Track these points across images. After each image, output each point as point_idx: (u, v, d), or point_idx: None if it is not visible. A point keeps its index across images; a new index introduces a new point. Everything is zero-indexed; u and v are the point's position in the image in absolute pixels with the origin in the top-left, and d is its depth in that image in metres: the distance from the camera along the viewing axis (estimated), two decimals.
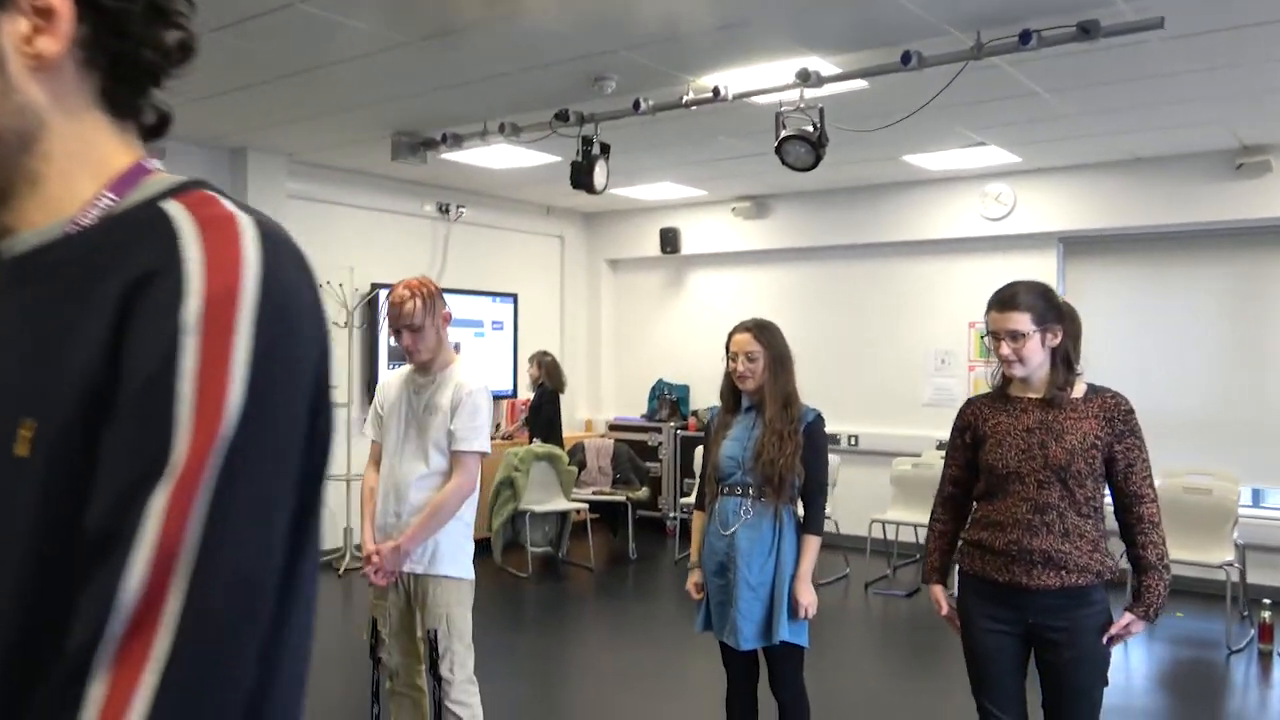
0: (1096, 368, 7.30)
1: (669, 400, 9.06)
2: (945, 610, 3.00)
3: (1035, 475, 2.75)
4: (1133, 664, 5.60)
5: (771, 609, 3.35)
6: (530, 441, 7.77)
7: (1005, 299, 2.82)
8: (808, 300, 8.78)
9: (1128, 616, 2.73)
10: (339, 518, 7.42)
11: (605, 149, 5.79)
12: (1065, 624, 2.74)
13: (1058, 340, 2.78)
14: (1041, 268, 7.66)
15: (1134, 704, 5.00)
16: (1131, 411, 2.79)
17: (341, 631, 5.77)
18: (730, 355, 3.50)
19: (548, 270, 9.48)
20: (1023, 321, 2.77)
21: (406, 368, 3.52)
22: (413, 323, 3.32)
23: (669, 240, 9.23)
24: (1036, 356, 2.78)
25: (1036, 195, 7.60)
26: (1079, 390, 2.82)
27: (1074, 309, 2.90)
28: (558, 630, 6.21)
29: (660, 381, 9.33)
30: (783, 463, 3.33)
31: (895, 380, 8.19)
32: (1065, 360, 2.79)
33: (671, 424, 8.80)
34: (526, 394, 8.72)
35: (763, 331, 3.49)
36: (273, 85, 5.27)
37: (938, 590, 3.03)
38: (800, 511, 3.47)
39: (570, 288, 9.65)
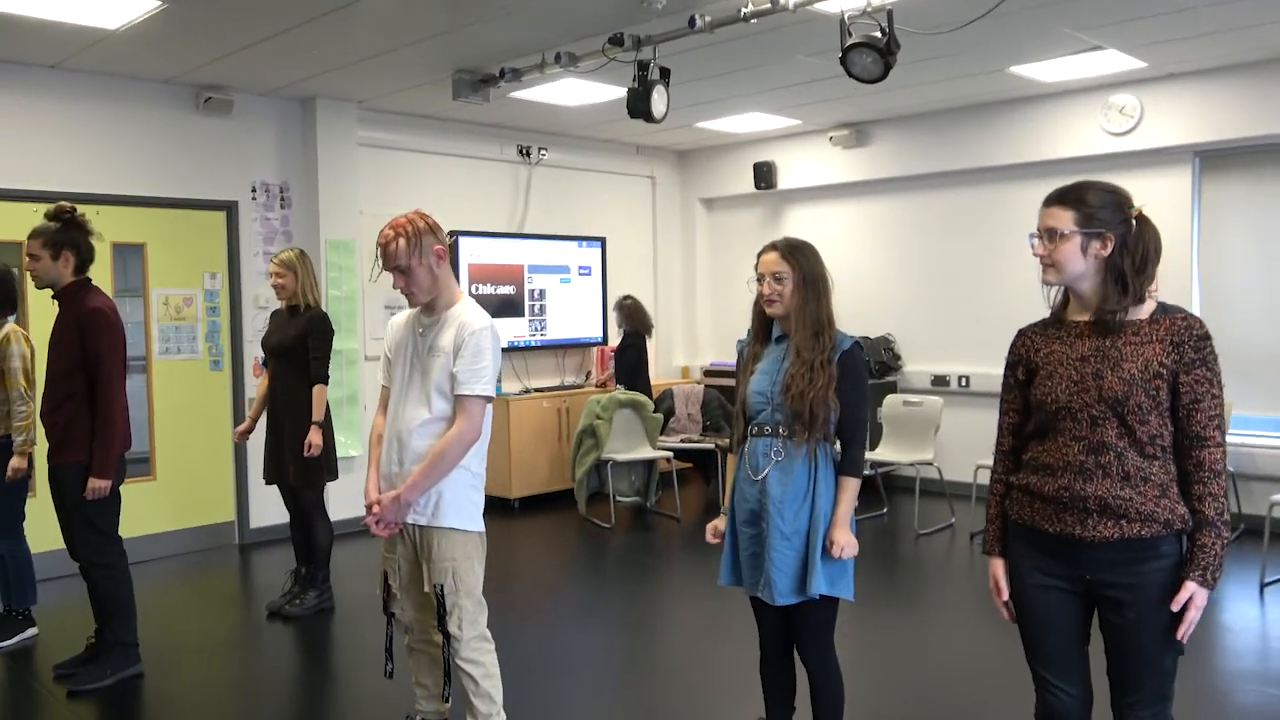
0: (1240, 296, 6.62)
1: None
2: (1005, 595, 2.55)
3: (1088, 410, 2.33)
4: (1271, 621, 4.97)
5: (807, 559, 3.01)
6: (617, 388, 7.54)
7: (1057, 193, 2.41)
8: (914, 233, 8.20)
9: (1188, 587, 2.27)
10: None
11: (665, 73, 5.42)
12: (1128, 579, 2.31)
13: (1107, 251, 2.32)
14: (1175, 186, 6.91)
15: (1273, 670, 4.40)
16: (1206, 338, 2.31)
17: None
18: (757, 277, 3.17)
19: (639, 212, 9.17)
20: (1063, 219, 2.34)
21: (414, 309, 3.31)
22: (398, 264, 3.10)
23: (763, 175, 8.77)
24: (1074, 264, 2.34)
25: (1167, 104, 6.79)
26: (1146, 310, 2.36)
27: (1155, 228, 2.41)
28: (637, 582, 5.99)
29: None
30: (813, 396, 2.98)
31: (1010, 316, 7.33)
32: (1119, 278, 2.32)
33: None
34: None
35: (793, 251, 3.15)
36: (324, 21, 5.10)
37: (997, 566, 2.57)
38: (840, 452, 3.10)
39: (663, 229, 9.31)
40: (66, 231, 4.04)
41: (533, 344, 8.17)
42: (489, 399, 3.16)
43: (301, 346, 4.89)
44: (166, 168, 6.21)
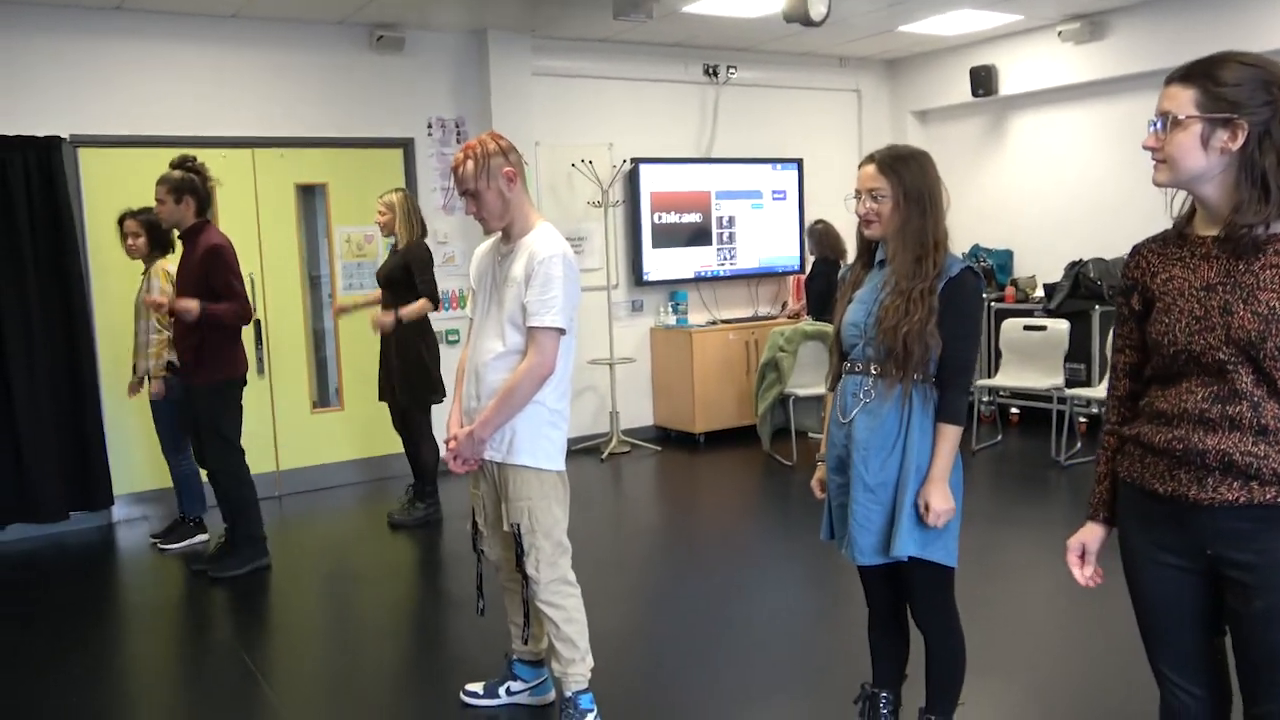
0: None
1: (983, 268, 7.85)
2: (1086, 572, 2.09)
3: (1213, 354, 1.79)
4: None
5: (894, 517, 2.60)
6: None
7: (1181, 68, 1.84)
8: None
9: None
10: (606, 401, 7.32)
11: None
12: (1254, 558, 1.78)
13: (1237, 143, 1.74)
14: None
15: None
16: None
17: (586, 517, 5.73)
18: (855, 194, 2.75)
19: (841, 129, 8.52)
20: (1181, 100, 1.79)
21: (496, 236, 3.14)
22: (466, 187, 2.97)
23: (981, 81, 7.86)
24: (1191, 159, 1.78)
25: None
26: None
27: None
28: (811, 525, 5.62)
29: (976, 247, 8.11)
30: (908, 330, 2.54)
31: None
32: (1259, 180, 1.74)
33: (986, 295, 7.62)
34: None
35: (894, 163, 2.70)
36: None
37: (1088, 532, 2.09)
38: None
39: (870, 147, 8.55)
40: (187, 179, 4.44)
41: (721, 274, 7.85)
42: (561, 331, 2.95)
43: (399, 277, 5.25)
44: (345, 108, 6.37)
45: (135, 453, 5.82)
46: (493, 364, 3.00)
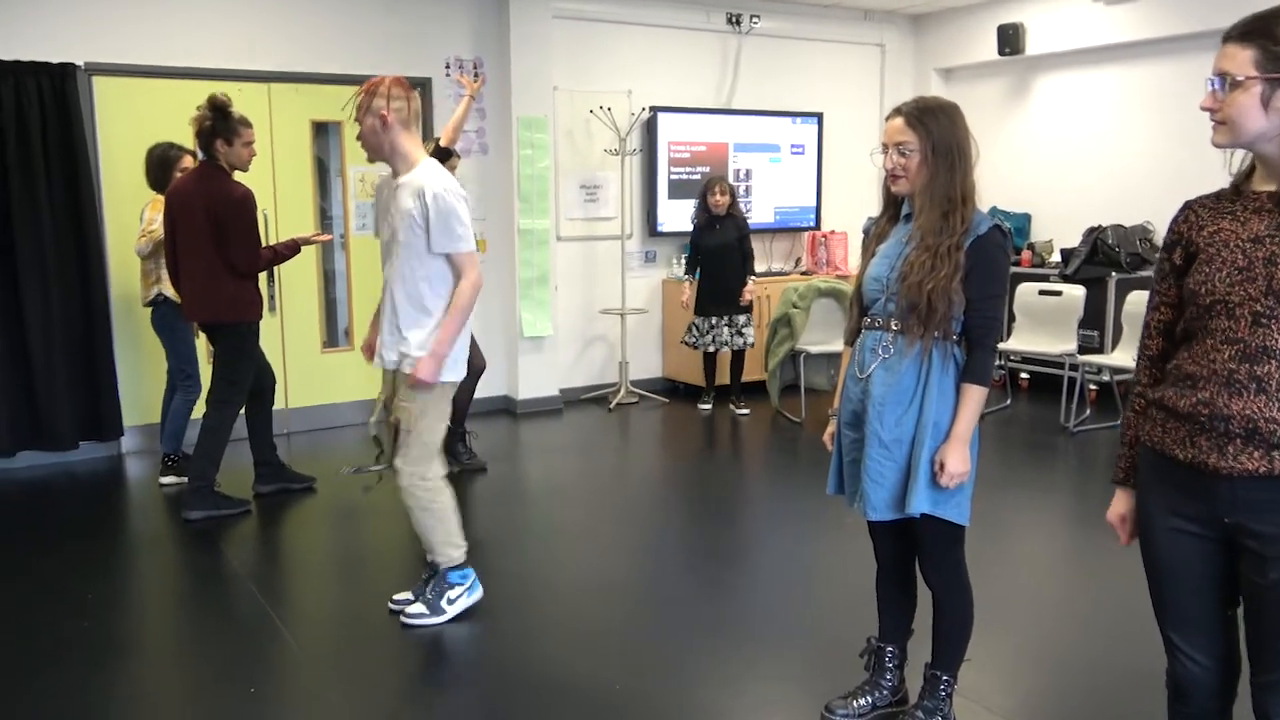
0: None
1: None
2: (1125, 539, 2.10)
3: (1250, 306, 1.77)
4: None
5: (909, 473, 2.59)
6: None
7: (1239, 25, 1.80)
8: (1193, 106, 6.94)
9: None
10: (616, 351, 7.30)
11: None
12: (1274, 529, 1.77)
13: None
14: None
15: None
16: None
17: (591, 465, 5.70)
18: (882, 147, 2.71)
19: (863, 85, 8.39)
20: (1240, 60, 1.76)
21: (389, 170, 3.44)
22: (356, 120, 3.29)
23: (1009, 39, 7.73)
24: (1250, 120, 1.76)
25: None
26: None
27: None
28: (818, 481, 5.62)
29: (994, 209, 8.03)
30: (932, 287, 2.53)
31: None
32: None
33: None
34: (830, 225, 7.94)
35: (922, 115, 2.65)
36: None
37: (1121, 500, 2.09)
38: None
39: (892, 104, 8.46)
40: None
41: None
42: (472, 252, 3.32)
43: None
44: (362, 46, 6.27)
45: (146, 384, 5.83)
46: (399, 289, 3.33)
